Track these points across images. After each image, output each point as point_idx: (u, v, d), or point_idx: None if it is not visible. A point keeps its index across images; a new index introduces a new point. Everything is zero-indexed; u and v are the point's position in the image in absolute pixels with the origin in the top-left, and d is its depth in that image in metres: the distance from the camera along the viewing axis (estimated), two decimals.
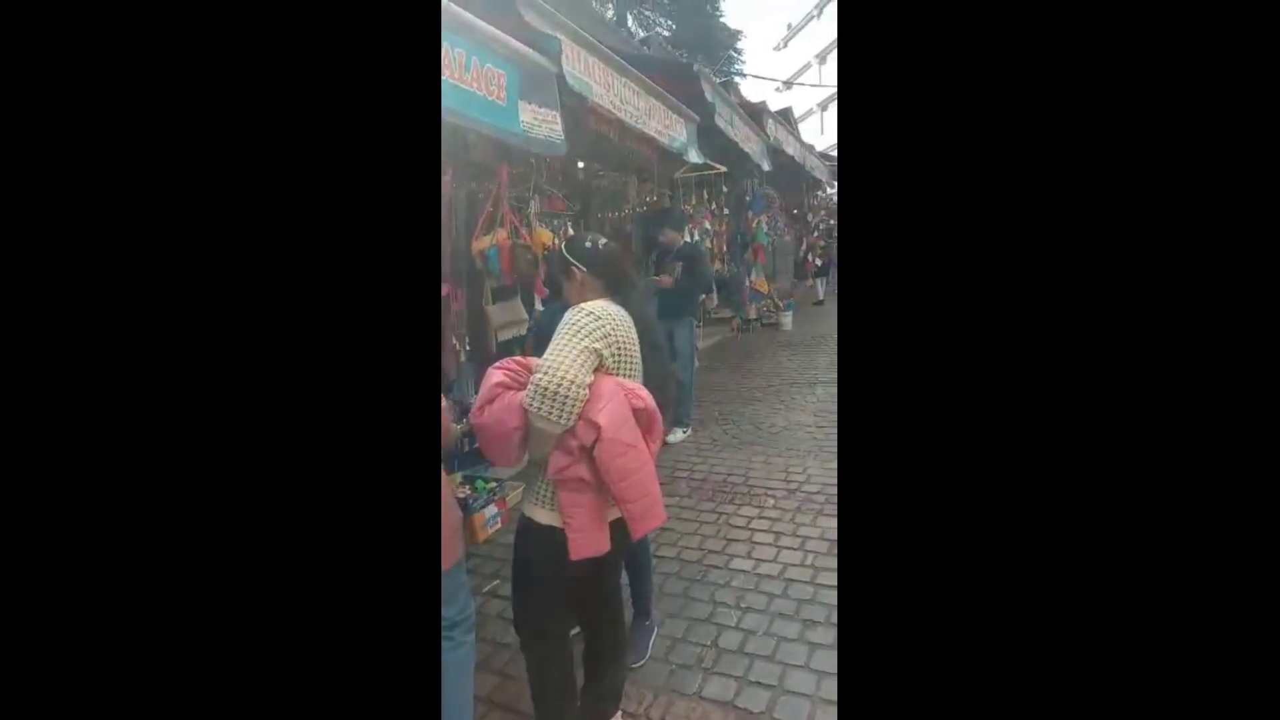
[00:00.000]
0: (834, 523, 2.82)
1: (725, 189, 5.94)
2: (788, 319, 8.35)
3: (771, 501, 3.14)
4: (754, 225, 5.71)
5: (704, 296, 4.34)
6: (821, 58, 30.36)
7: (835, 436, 4.01)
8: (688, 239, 4.36)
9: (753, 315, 8.48)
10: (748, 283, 5.79)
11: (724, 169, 4.62)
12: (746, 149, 5.31)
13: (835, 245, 12.74)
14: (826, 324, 8.60)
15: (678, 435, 4.10)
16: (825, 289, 12.10)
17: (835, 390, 4.92)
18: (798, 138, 7.99)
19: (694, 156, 4.09)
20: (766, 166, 5.89)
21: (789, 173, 8.36)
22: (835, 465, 3.34)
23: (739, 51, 18.14)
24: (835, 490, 3.10)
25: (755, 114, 5.81)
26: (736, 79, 17.47)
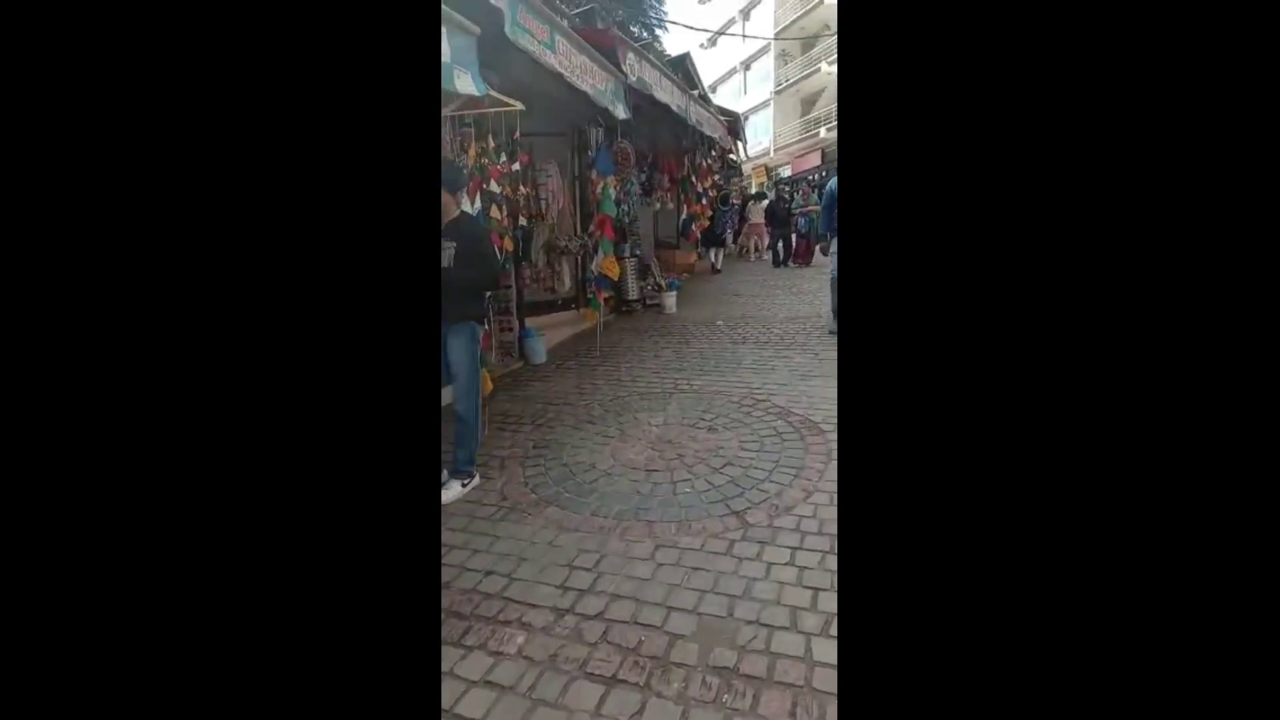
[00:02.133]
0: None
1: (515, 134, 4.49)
2: (671, 300, 7.22)
3: (519, 642, 1.91)
4: (598, 190, 4.43)
5: (489, 293, 3.10)
6: (745, 13, 28.99)
7: (678, 482, 2.92)
8: (466, 208, 3.07)
9: (633, 296, 7.30)
10: (594, 265, 4.53)
11: (518, 105, 3.33)
12: (584, 87, 4.01)
13: (734, 212, 11.71)
14: (718, 303, 7.57)
15: (454, 491, 2.88)
16: (719, 257, 11.13)
17: (685, 407, 3.83)
18: (684, 86, 6.72)
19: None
20: (622, 114, 4.61)
21: (670, 127, 7.11)
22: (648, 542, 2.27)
23: (659, 2, 17.21)
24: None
25: (605, 47, 4.49)
26: (659, 31, 16.30)
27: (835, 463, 3.01)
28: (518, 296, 5.18)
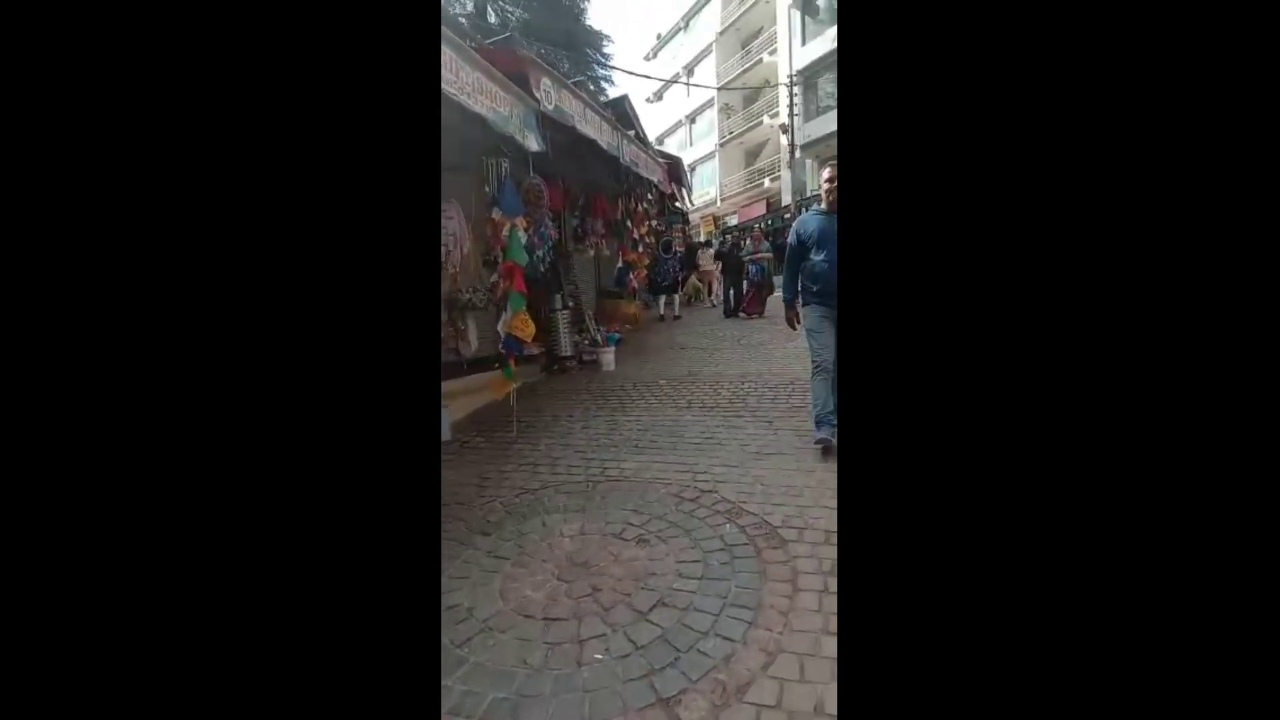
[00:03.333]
0: None
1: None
2: (609, 356, 6.42)
3: None
4: (504, 233, 3.60)
5: None
6: (689, 69, 29.71)
7: (586, 640, 2.03)
8: None
9: (567, 353, 6.47)
10: (501, 325, 3.66)
11: None
12: (479, 109, 3.26)
13: (675, 260, 11.18)
14: (661, 359, 6.81)
15: None
16: (674, 305, 10.63)
17: (610, 506, 2.96)
18: (616, 125, 6.11)
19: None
20: (534, 145, 3.87)
21: (604, 166, 6.47)
22: None
23: (606, 56, 18.01)
24: None
25: (511, 70, 3.77)
26: (605, 84, 16.47)
27: (803, 596, 2.19)
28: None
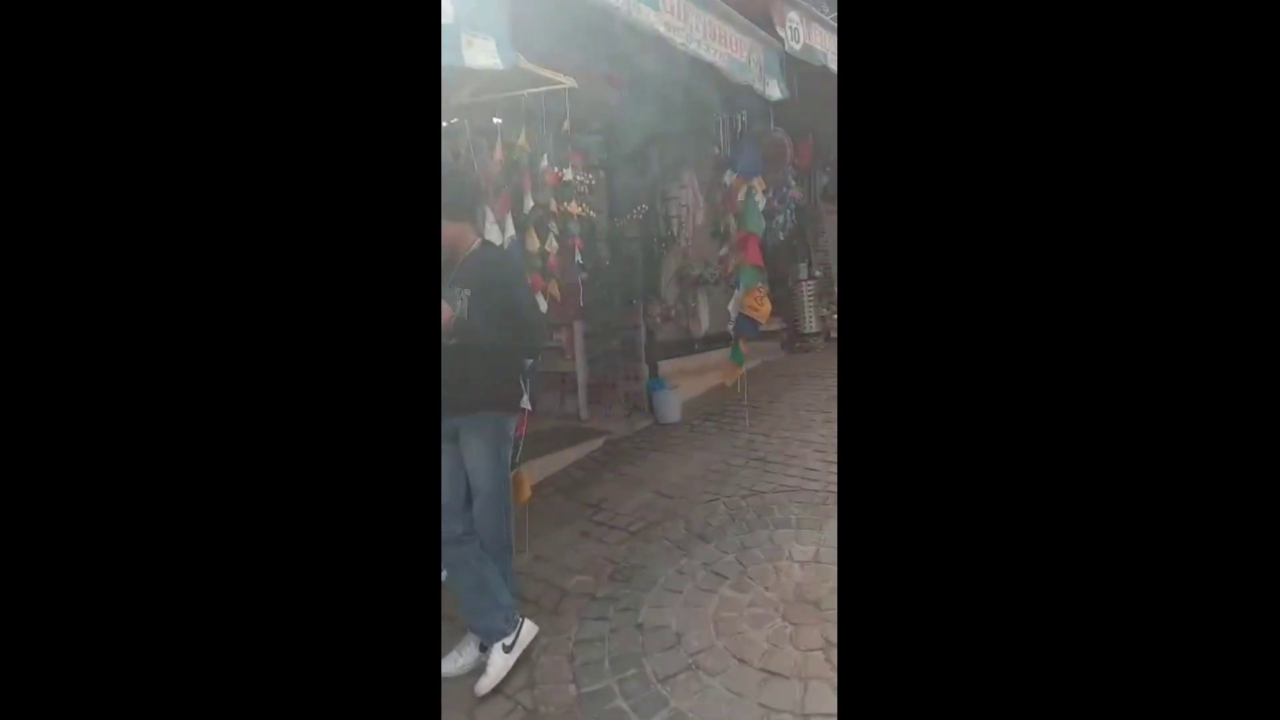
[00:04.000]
0: None
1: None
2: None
3: None
4: (738, 198, 3.08)
5: (529, 360, 2.05)
6: None
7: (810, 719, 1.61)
8: (492, 235, 2.06)
9: (812, 329, 5.82)
10: (732, 305, 3.21)
11: (566, 81, 2.24)
12: (712, 58, 2.85)
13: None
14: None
15: (496, 664, 1.86)
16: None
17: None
18: None
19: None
20: (776, 94, 3.33)
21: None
22: None
23: None
24: None
25: (758, 12, 3.25)
26: None
27: None
28: (647, 338, 4.17)
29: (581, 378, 4.21)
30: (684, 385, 4.18)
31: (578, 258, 2.45)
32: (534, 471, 3.48)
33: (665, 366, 4.26)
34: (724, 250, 3.55)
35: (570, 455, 3.73)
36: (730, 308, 3.40)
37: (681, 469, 3.36)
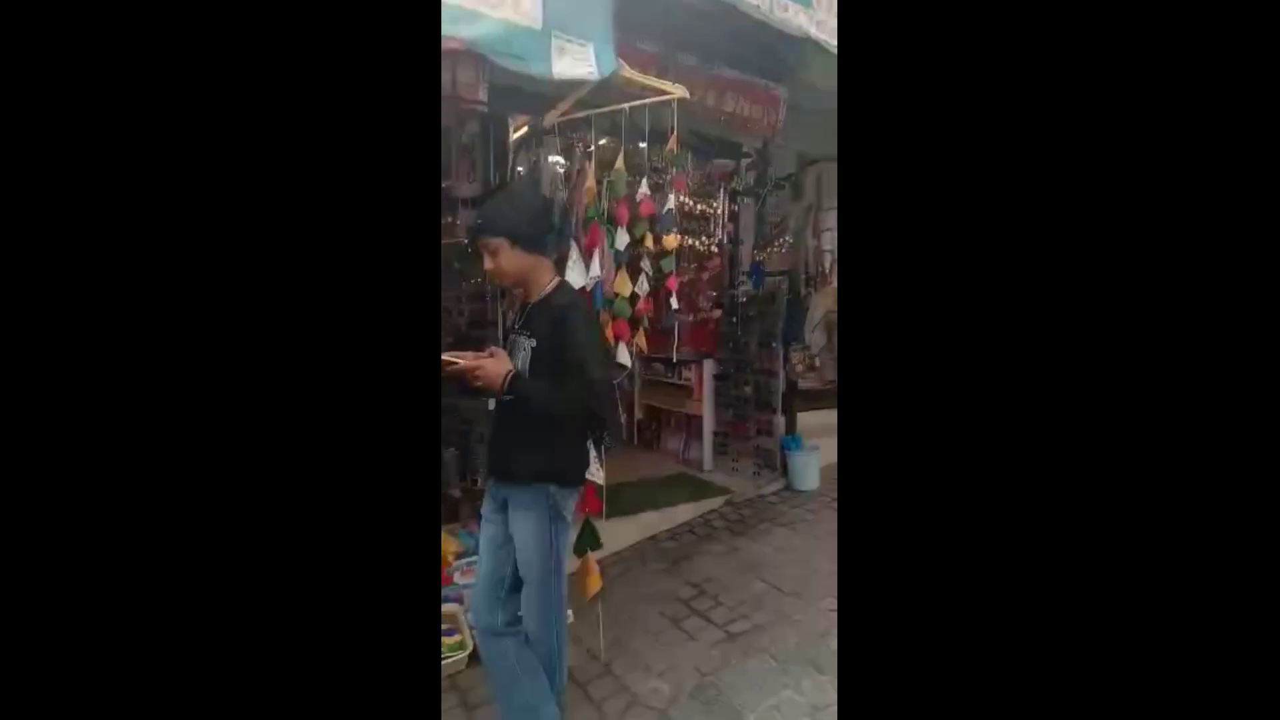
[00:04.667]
0: None
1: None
2: None
3: None
4: None
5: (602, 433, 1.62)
6: None
7: None
8: (574, 276, 1.69)
9: None
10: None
11: (677, 90, 1.78)
12: (788, 29, 2.25)
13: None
14: None
15: None
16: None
17: None
18: None
19: None
20: None
21: None
22: None
23: None
24: None
25: None
26: None
27: None
28: (786, 386, 3.62)
29: (708, 424, 3.78)
30: (826, 446, 3.55)
31: (673, 303, 2.05)
32: (641, 526, 3.14)
33: (805, 420, 3.67)
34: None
35: (684, 512, 3.32)
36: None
37: (808, 557, 2.77)
